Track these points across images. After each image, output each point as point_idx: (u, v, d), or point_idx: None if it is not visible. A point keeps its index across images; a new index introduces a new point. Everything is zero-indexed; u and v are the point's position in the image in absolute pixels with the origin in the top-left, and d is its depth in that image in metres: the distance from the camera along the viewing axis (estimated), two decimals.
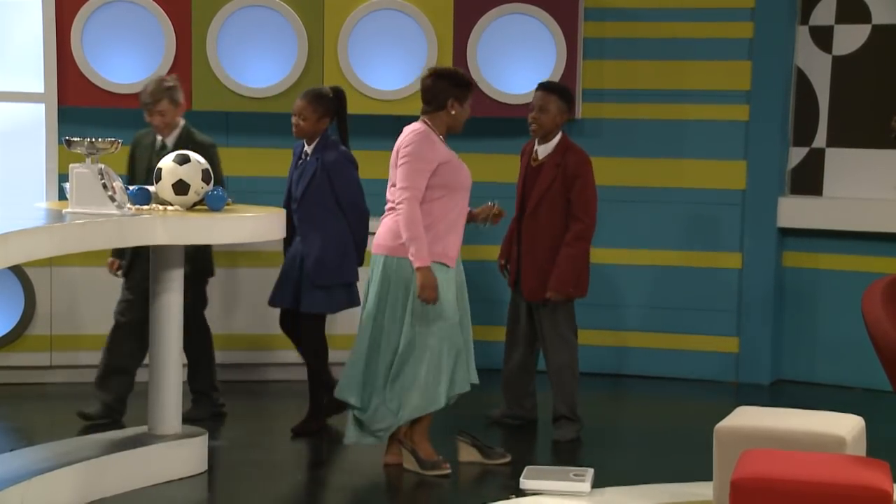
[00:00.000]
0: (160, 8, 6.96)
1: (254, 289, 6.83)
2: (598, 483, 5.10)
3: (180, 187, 5.08)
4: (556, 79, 7.18)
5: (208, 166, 5.17)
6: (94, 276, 6.78)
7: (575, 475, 5.10)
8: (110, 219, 4.77)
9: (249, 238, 5.24)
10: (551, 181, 5.80)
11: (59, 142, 6.77)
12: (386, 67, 7.16)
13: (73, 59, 6.89)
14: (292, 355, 6.63)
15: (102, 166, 4.91)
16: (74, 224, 4.62)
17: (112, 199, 4.84)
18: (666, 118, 7.36)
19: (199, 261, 5.93)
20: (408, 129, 5.27)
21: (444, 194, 5.19)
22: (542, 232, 5.84)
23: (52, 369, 6.81)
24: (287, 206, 5.83)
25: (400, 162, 5.20)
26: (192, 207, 5.15)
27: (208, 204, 5.14)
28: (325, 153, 5.78)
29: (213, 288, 6.43)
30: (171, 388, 5.24)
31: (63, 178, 5.51)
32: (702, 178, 7.35)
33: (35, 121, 6.82)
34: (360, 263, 5.94)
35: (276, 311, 6.06)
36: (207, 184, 5.13)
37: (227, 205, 5.23)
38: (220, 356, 6.35)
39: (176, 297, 5.23)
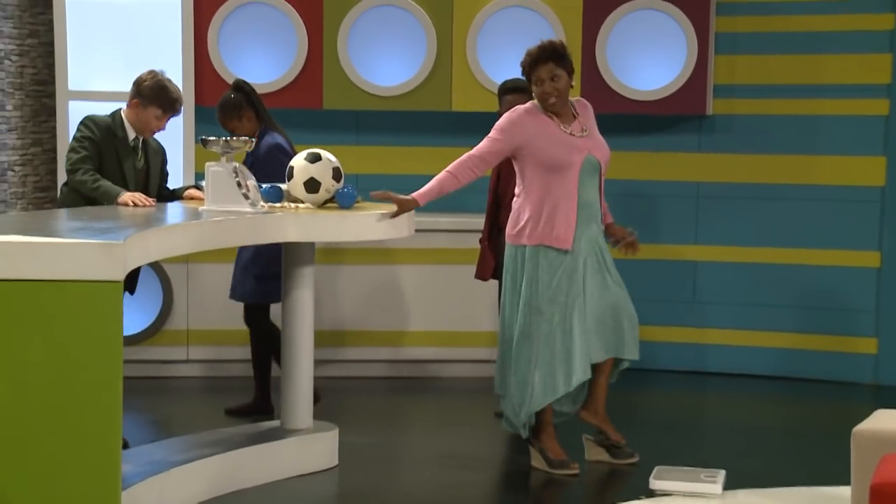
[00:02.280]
0: (293, 9, 7.08)
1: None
2: (729, 485, 5.01)
3: (311, 185, 5.15)
4: (687, 74, 7.09)
5: (339, 164, 5.24)
6: (229, 273, 6.94)
7: (706, 476, 5.03)
8: (244, 216, 4.87)
9: (379, 235, 5.29)
10: None
11: (196, 141, 6.94)
12: (516, 65, 7.12)
13: (210, 60, 7.05)
14: (419, 352, 6.70)
15: (237, 165, 5.01)
16: (210, 222, 4.72)
17: (246, 196, 4.94)
18: (800, 113, 7.19)
19: None
20: None
21: (543, 173, 5.15)
22: None
23: (189, 363, 6.99)
24: None
25: None
26: (322, 205, 5.22)
27: (338, 201, 5.21)
28: (257, 147, 5.75)
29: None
30: (303, 383, 5.32)
31: (199, 176, 5.65)
32: (838, 175, 7.16)
33: (173, 120, 6.99)
34: None
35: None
36: (338, 182, 5.20)
37: (357, 202, 5.29)
38: (336, 353, 6.42)
39: (307, 293, 5.31)
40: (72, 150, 5.20)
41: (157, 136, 5.47)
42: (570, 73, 5.24)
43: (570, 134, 5.21)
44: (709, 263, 7.34)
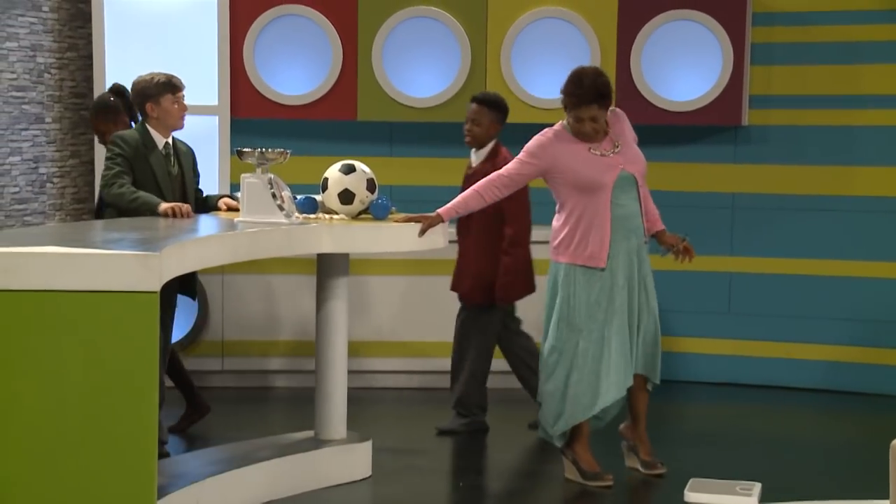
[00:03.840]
0: (328, 21, 7.11)
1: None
2: (765, 498, 4.98)
3: (346, 197, 5.17)
4: (723, 85, 7.06)
5: (373, 176, 5.25)
6: (264, 283, 6.98)
7: (742, 489, 5.00)
8: (279, 227, 4.89)
9: (412, 247, 5.30)
10: None
11: (231, 152, 6.98)
12: (550, 76, 7.14)
13: (245, 72, 7.10)
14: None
15: (272, 176, 5.04)
16: (245, 233, 4.75)
17: (281, 208, 4.97)
18: (837, 124, 7.14)
19: None
20: None
21: (575, 193, 5.17)
22: (474, 237, 5.96)
23: (224, 373, 7.02)
24: (99, 211, 5.79)
25: None
26: (357, 216, 5.24)
27: (373, 213, 5.23)
28: None
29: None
30: (338, 394, 5.33)
31: (235, 187, 5.68)
32: (875, 186, 7.10)
33: (209, 132, 7.06)
34: None
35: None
36: (372, 193, 5.21)
37: (392, 213, 5.30)
38: (364, 363, 6.44)
39: (341, 304, 5.32)
40: (105, 168, 5.27)
41: (185, 139, 5.51)
42: (609, 105, 5.21)
43: (601, 154, 5.19)
44: (744, 275, 7.30)
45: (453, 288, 6.13)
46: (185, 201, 5.34)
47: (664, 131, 7.25)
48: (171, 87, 5.34)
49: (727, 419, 6.77)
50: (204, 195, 5.60)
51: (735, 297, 7.33)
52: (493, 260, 5.90)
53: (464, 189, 5.66)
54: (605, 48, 7.06)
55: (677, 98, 7.12)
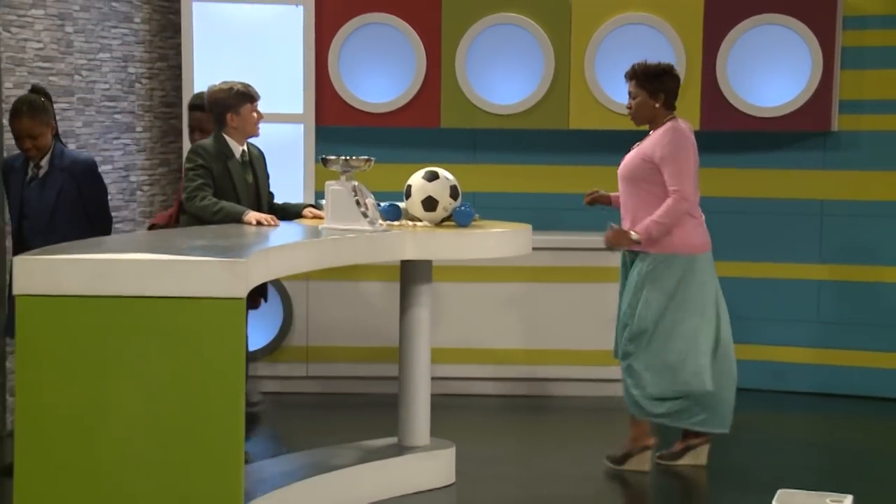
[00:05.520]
0: (411, 29, 7.14)
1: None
2: None
3: (429, 203, 5.19)
4: (812, 90, 6.94)
5: (456, 183, 5.26)
6: (348, 290, 7.02)
7: (832, 501, 4.90)
8: (363, 234, 4.92)
9: (496, 254, 5.30)
10: None
11: (316, 160, 7.04)
12: None
13: (330, 81, 7.16)
14: (531, 370, 6.66)
15: (356, 183, 5.07)
16: (330, 240, 4.79)
17: (365, 215, 5.00)
18: None
19: None
20: None
21: None
22: None
23: (308, 379, 7.07)
24: (19, 226, 5.46)
25: None
26: (440, 223, 5.25)
27: (456, 220, 5.23)
28: (69, 162, 5.42)
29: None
30: (421, 400, 5.34)
31: (319, 195, 5.73)
32: None
33: (294, 140, 7.13)
34: None
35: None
36: (455, 200, 5.22)
37: (475, 220, 5.30)
38: (449, 370, 6.41)
39: (424, 311, 5.34)
40: (187, 179, 5.33)
41: (271, 147, 5.57)
42: (653, 94, 5.40)
43: (632, 147, 5.54)
44: (834, 283, 7.17)
45: None
46: (259, 208, 5.40)
47: (751, 137, 7.15)
48: (249, 96, 5.41)
49: (817, 429, 6.65)
50: (274, 198, 5.62)
51: (824, 306, 7.20)
52: None
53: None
54: (690, 53, 6.99)
55: (765, 104, 7.02)
